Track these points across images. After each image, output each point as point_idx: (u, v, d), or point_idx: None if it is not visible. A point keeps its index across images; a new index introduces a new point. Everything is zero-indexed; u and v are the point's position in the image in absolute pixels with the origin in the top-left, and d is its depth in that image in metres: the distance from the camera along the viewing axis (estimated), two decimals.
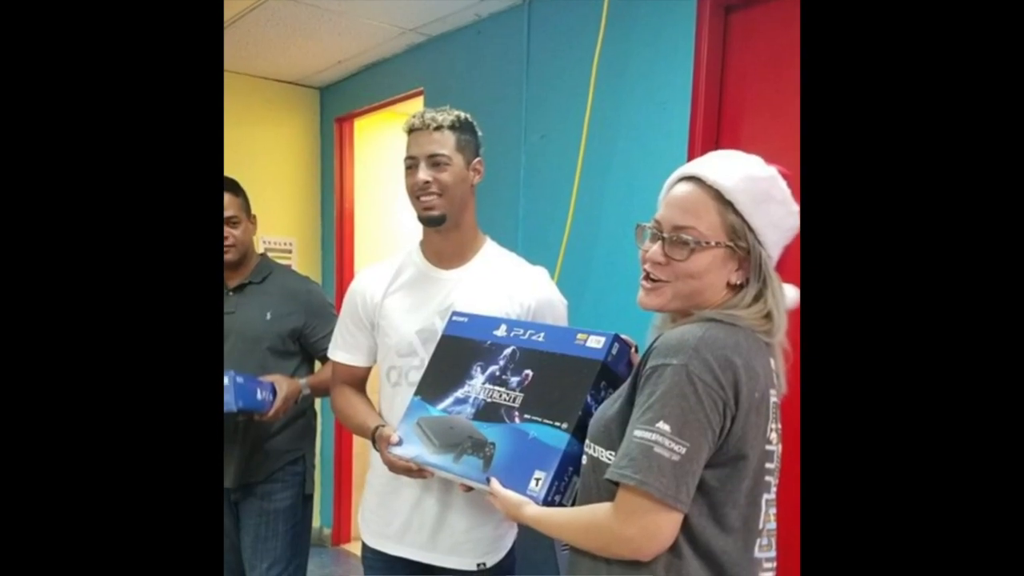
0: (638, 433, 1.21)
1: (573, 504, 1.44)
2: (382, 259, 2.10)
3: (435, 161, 1.88)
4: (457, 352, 1.77)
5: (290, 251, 4.56)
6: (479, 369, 1.70)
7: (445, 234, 1.94)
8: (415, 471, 1.73)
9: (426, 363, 1.84)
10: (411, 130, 1.92)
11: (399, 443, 1.76)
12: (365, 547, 2.06)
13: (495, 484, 1.49)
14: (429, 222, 1.92)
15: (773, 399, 1.30)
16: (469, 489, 1.66)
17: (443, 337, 1.84)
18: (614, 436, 1.30)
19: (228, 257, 2.50)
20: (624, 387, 1.34)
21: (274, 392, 2.36)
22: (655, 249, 1.34)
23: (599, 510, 1.28)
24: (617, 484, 1.24)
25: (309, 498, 2.68)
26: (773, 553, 1.33)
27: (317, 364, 2.68)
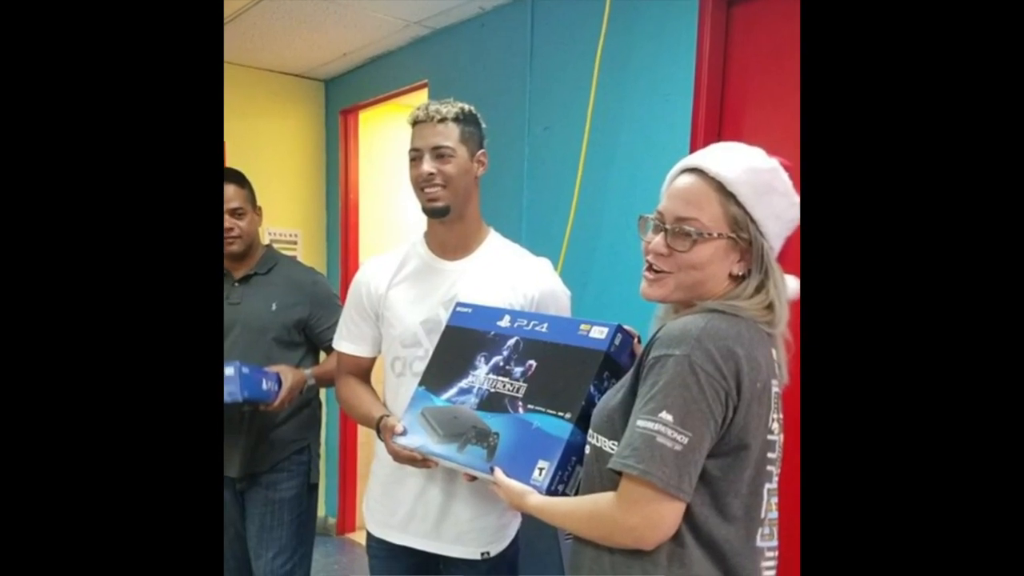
0: (641, 423, 1.22)
1: (576, 493, 1.45)
2: (387, 250, 2.11)
3: (439, 153, 1.88)
4: (461, 342, 1.78)
5: (295, 242, 4.57)
6: (483, 359, 1.71)
7: (449, 225, 1.95)
8: (419, 461, 1.74)
9: (430, 353, 1.85)
10: (415, 122, 1.92)
11: (403, 433, 1.77)
12: (370, 536, 2.07)
13: (499, 474, 1.50)
14: (433, 213, 1.92)
15: (775, 389, 1.30)
16: (473, 479, 1.67)
17: (447, 328, 1.85)
18: (617, 426, 1.31)
19: (234, 248, 2.51)
20: (627, 377, 1.34)
21: (279, 382, 2.38)
22: (658, 240, 1.34)
23: (602, 499, 1.29)
24: (620, 474, 1.24)
25: (314, 487, 2.69)
26: (775, 542, 1.34)
27: (322, 355, 2.68)
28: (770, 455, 1.31)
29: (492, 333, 1.73)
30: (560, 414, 1.50)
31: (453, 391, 1.73)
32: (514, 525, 2.00)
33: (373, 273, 2.04)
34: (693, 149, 2.50)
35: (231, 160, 3.94)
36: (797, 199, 1.31)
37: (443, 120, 1.89)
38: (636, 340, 1.57)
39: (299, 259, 3.26)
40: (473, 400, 1.67)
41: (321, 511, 4.56)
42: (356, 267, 4.33)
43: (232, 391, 2.21)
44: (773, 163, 1.34)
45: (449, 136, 1.89)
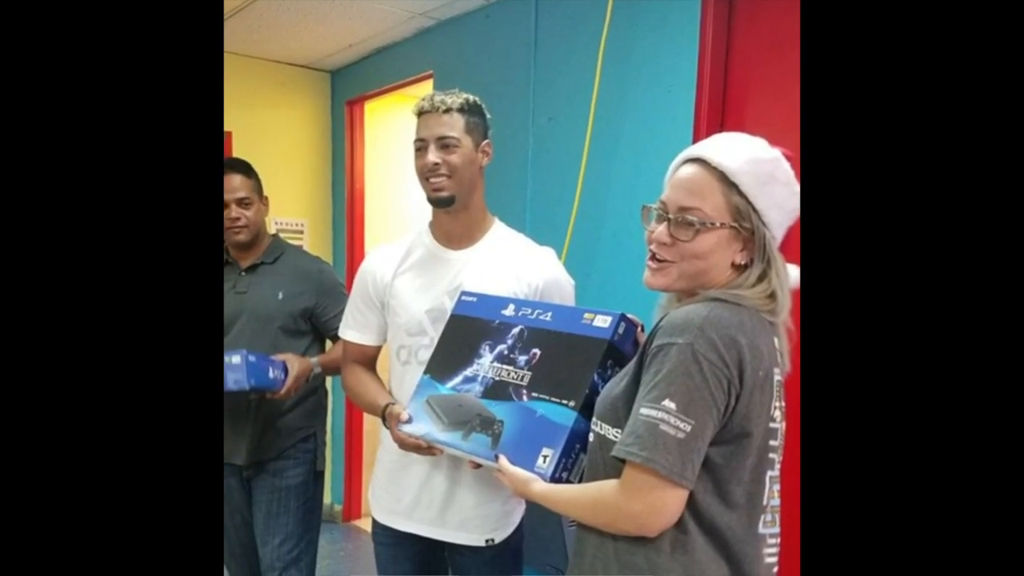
0: (644, 411, 1.23)
1: (580, 481, 1.46)
2: (392, 240, 2.11)
3: (444, 143, 1.89)
4: (466, 331, 1.79)
5: (302, 232, 4.58)
6: (487, 348, 1.72)
7: (454, 215, 1.96)
8: (424, 448, 1.76)
9: (435, 342, 1.86)
10: (421, 113, 1.93)
11: (409, 421, 1.78)
12: (375, 523, 2.08)
13: (503, 461, 1.51)
14: (438, 203, 1.93)
15: (777, 377, 1.31)
16: (478, 466, 1.68)
17: (452, 316, 1.85)
18: (620, 414, 1.31)
19: (240, 238, 2.52)
20: (630, 366, 1.35)
21: (286, 371, 2.39)
22: (661, 230, 1.35)
23: (606, 487, 1.30)
24: (623, 461, 1.25)
25: (320, 475, 2.70)
26: (777, 529, 1.35)
27: (328, 343, 2.69)
28: (772, 443, 1.31)
29: (497, 322, 1.74)
30: (564, 402, 1.51)
31: (458, 379, 1.74)
32: (518, 512, 2.01)
33: (379, 262, 2.05)
34: (696, 140, 2.50)
35: (238, 150, 3.96)
36: (799, 189, 1.32)
37: (448, 111, 1.90)
38: (639, 329, 1.58)
39: (305, 248, 3.27)
40: (478, 388, 1.68)
41: (327, 498, 4.58)
42: (362, 256, 4.33)
43: (239, 379, 2.22)
44: (775, 153, 1.34)
45: (454, 126, 1.89)
